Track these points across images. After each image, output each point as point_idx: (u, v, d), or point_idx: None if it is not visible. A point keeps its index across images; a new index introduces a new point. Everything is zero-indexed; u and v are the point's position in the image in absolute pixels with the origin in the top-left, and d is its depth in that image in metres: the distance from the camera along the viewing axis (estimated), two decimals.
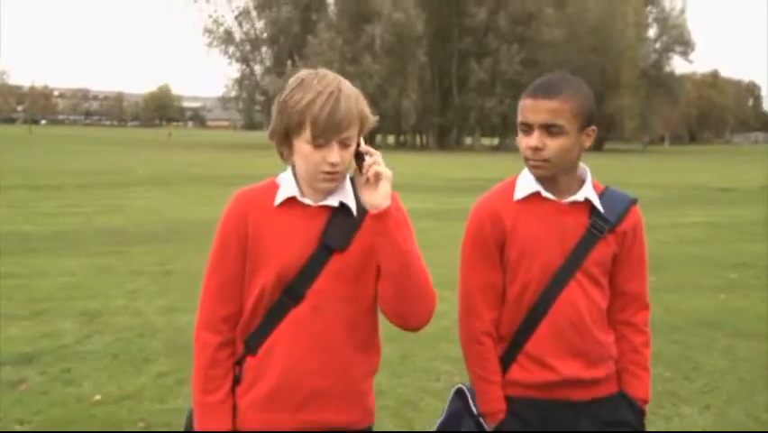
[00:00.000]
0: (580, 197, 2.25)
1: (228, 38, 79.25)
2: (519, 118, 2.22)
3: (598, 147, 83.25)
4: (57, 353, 5.54)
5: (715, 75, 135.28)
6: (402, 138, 79.95)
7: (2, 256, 9.48)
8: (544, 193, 2.25)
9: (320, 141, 1.92)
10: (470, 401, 2.35)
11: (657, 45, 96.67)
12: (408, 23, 67.54)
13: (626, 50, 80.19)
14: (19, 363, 5.27)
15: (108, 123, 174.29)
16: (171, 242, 11.17)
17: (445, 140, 76.02)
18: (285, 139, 2.00)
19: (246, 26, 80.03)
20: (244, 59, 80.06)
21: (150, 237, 11.50)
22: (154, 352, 5.63)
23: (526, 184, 2.28)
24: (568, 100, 2.17)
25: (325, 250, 2.00)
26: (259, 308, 2.02)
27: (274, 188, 2.06)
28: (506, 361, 2.30)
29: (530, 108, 2.19)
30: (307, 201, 2.03)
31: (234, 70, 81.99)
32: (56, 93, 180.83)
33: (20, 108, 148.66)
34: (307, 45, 70.00)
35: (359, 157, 1.97)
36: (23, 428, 4.19)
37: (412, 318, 2.02)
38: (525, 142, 2.22)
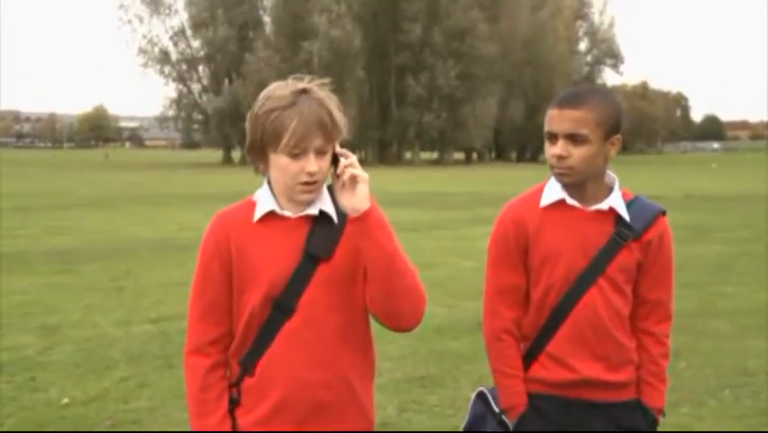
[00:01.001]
0: (604, 205, 2.31)
1: (164, 58, 78.64)
2: (545, 128, 2.30)
3: (534, 158, 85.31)
4: (20, 364, 5.81)
5: (644, 86, 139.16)
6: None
7: None
8: (569, 201, 2.32)
9: (296, 150, 1.92)
10: (492, 402, 2.42)
11: (588, 58, 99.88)
12: (345, 39, 68.16)
13: (558, 64, 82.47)
14: None
15: (42, 145, 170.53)
16: (120, 259, 11.38)
17: (385, 154, 76.72)
18: (261, 152, 1.99)
19: (182, 45, 79.58)
20: (181, 79, 79.57)
21: (99, 256, 11.68)
22: (114, 360, 5.94)
23: (553, 191, 2.35)
24: (592, 110, 2.23)
25: (311, 260, 2.00)
26: (251, 326, 2.01)
27: (252, 205, 2.06)
28: (528, 360, 2.38)
29: (555, 118, 2.26)
30: (287, 213, 2.02)
31: (171, 90, 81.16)
32: None
33: None
34: (245, 63, 70.04)
35: (335, 160, 1.96)
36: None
37: (402, 318, 2.02)
38: (550, 150, 2.29)
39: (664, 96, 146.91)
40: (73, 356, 6.05)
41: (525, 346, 2.38)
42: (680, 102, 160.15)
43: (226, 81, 76.42)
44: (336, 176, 1.95)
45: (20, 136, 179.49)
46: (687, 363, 5.74)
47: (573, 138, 2.22)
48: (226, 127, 72.89)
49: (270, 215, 2.02)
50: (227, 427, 2.01)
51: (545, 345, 2.34)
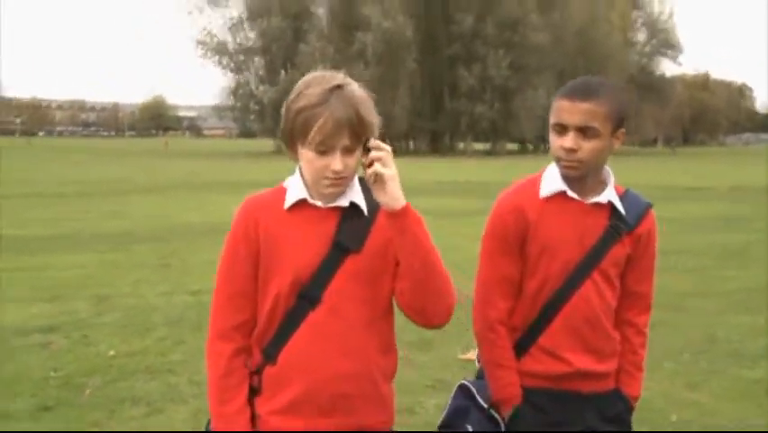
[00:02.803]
0: (603, 198, 2.31)
1: (221, 49, 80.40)
2: (553, 119, 2.25)
3: None
4: (75, 324, 6.70)
5: (706, 77, 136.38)
6: (395, 144, 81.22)
7: (15, 254, 10.62)
8: (570, 193, 2.30)
9: (322, 148, 1.90)
10: (477, 396, 2.39)
11: (646, 48, 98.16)
12: (398, 30, 68.76)
13: (612, 54, 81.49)
14: (45, 332, 6.44)
15: (105, 133, 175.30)
16: (169, 241, 12.33)
17: (438, 145, 77.23)
18: (291, 143, 1.99)
19: (239, 36, 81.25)
20: (238, 69, 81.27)
21: (149, 237, 12.65)
22: (155, 323, 6.79)
23: (552, 182, 2.32)
24: (604, 103, 2.20)
25: (339, 251, 1.98)
26: (275, 314, 1.99)
27: (282, 192, 2.04)
28: (518, 352, 2.36)
29: (567, 109, 2.21)
30: (318, 203, 2.00)
31: (229, 80, 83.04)
32: (53, 105, 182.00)
33: (18, 121, 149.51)
34: (299, 54, 71.17)
35: (367, 152, 1.92)
36: (57, 374, 5.34)
37: (433, 316, 2.00)
38: (558, 142, 2.24)
39: (727, 86, 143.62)
40: (120, 320, 6.93)
41: (515, 338, 2.36)
42: (744, 93, 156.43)
43: (282, 72, 77.70)
44: (366, 167, 1.92)
45: (85, 125, 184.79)
46: (656, 333, 6.30)
47: (584, 131, 2.20)
48: (281, 117, 74.23)
49: (301, 203, 2.00)
50: (247, 414, 2.00)
51: (538, 338, 2.33)
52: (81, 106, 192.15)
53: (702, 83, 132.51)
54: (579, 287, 2.29)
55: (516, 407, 2.32)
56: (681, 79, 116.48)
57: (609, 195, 2.31)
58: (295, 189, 2.02)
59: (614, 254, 2.31)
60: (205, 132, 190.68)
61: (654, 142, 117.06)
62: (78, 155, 54.02)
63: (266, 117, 77.99)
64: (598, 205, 2.31)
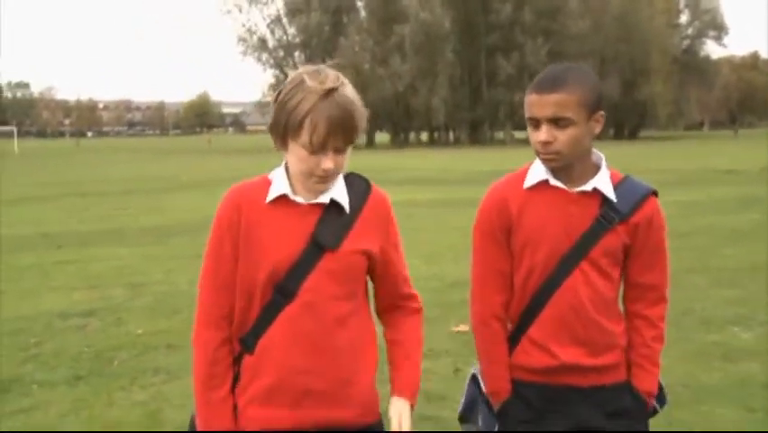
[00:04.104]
0: (588, 186, 2.25)
1: (262, 45, 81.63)
2: (527, 114, 2.23)
3: (633, 135, 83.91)
4: (110, 309, 7.40)
5: (755, 57, 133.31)
6: (435, 134, 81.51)
7: (62, 249, 11.46)
8: (553, 181, 2.26)
9: (315, 147, 1.93)
10: (482, 384, 2.42)
11: (689, 31, 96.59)
12: (435, 21, 69.12)
13: (654, 38, 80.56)
14: (83, 316, 7.16)
15: (151, 132, 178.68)
16: (204, 234, 12.79)
17: (477, 135, 77.34)
18: (282, 137, 1.99)
19: (278, 33, 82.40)
20: (278, 65, 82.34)
21: (185, 231, 13.36)
22: (181, 307, 7.41)
23: (537, 172, 2.29)
24: (573, 91, 2.16)
25: (317, 248, 2.00)
26: (252, 305, 2.02)
27: (267, 184, 2.06)
28: (511, 344, 2.35)
29: (536, 103, 2.19)
30: (299, 199, 2.03)
31: (269, 76, 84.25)
32: (101, 105, 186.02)
33: (67, 122, 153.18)
34: (338, 48, 71.89)
35: None
36: (90, 350, 6.03)
37: None
38: (534, 136, 2.22)
39: None
40: (150, 304, 7.62)
41: (510, 330, 2.37)
42: None
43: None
44: None
45: (131, 124, 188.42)
46: None
47: (557, 122, 2.17)
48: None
49: (282, 198, 2.03)
50: (230, 402, 2.05)
51: (527, 330, 2.31)
52: (127, 106, 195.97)
53: (751, 63, 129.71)
54: (566, 278, 2.24)
55: (505, 401, 2.34)
56: (728, 61, 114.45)
57: (597, 182, 2.25)
58: (278, 183, 2.04)
59: (605, 244, 2.24)
60: (249, 128, 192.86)
61: (701, 125, 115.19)
62: (123, 154, 55.55)
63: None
64: (586, 193, 2.25)
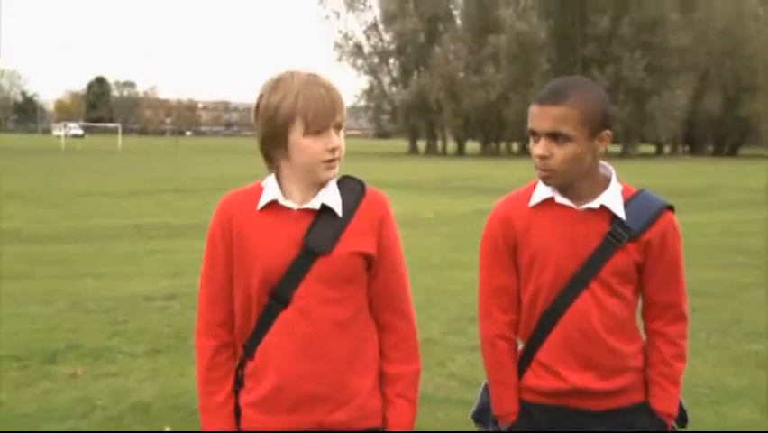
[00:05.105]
0: (596, 204, 2.16)
1: (357, 51, 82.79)
2: (528, 125, 2.17)
3: (733, 152, 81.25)
4: (189, 295, 8.02)
5: None
6: (527, 145, 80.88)
7: (153, 240, 12.39)
8: (559, 199, 2.18)
9: (317, 127, 1.94)
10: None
11: None
12: (531, 32, 68.67)
13: (761, 52, 77.90)
14: (165, 299, 7.92)
15: (247, 133, 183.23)
16: None
17: None
18: (276, 142, 1.99)
19: (374, 39, 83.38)
20: (372, 71, 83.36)
21: None
22: None
23: (543, 189, 2.21)
24: (574, 105, 2.08)
25: (309, 254, 1.99)
26: (250, 312, 2.04)
27: (259, 191, 2.06)
28: (521, 366, 2.29)
29: (537, 115, 2.13)
30: (289, 204, 2.03)
31: (363, 82, 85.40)
32: (200, 105, 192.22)
33: (168, 121, 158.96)
34: (432, 56, 72.33)
35: None
36: (170, 329, 6.71)
37: None
38: (533, 150, 2.15)
39: None
40: None
41: (520, 351, 2.31)
42: None
43: (415, 73, 79.16)
44: None
45: (228, 125, 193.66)
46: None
47: (555, 137, 2.10)
48: (413, 118, 75.73)
49: (273, 204, 2.03)
50: (229, 407, 2.09)
51: (536, 352, 2.25)
52: (225, 107, 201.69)
53: None
54: (574, 299, 2.16)
55: (512, 423, 2.28)
56: None
57: (605, 199, 2.17)
58: (269, 190, 2.05)
59: (615, 263, 2.15)
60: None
61: None
62: (218, 154, 57.61)
63: (398, 118, 79.73)
64: (593, 211, 2.17)
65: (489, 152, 77.00)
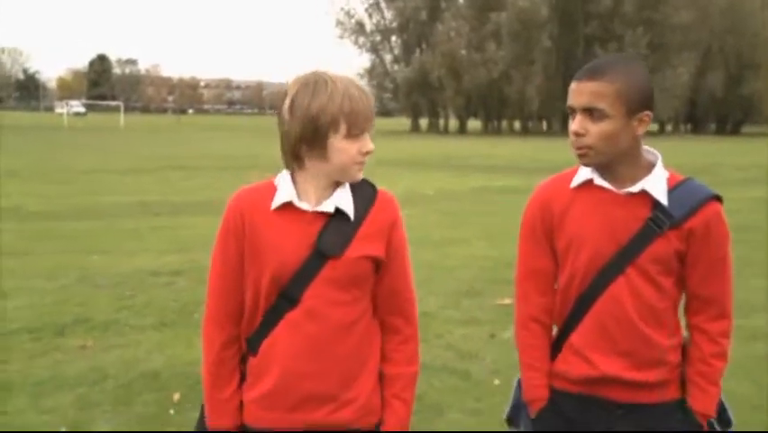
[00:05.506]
0: (636, 188, 2.10)
1: (359, 29, 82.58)
2: (567, 102, 2.13)
3: (735, 131, 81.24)
4: (195, 270, 8.24)
5: None
6: (528, 123, 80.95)
7: (157, 216, 12.56)
8: (598, 181, 2.14)
9: (357, 131, 1.99)
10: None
11: None
12: (533, 9, 68.50)
13: (762, 31, 77.67)
14: (171, 274, 8.09)
15: (249, 111, 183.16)
16: None
17: None
18: (314, 143, 2.00)
19: (376, 17, 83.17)
20: (374, 49, 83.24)
21: None
22: None
23: (584, 171, 2.17)
24: (613, 82, 2.03)
25: (319, 256, 2.02)
26: (257, 308, 2.07)
27: (272, 189, 2.09)
28: (554, 351, 2.27)
29: (574, 91, 2.09)
30: (304, 206, 2.05)
31: (365, 60, 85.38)
32: (202, 83, 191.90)
33: (170, 99, 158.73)
34: (434, 33, 72.14)
35: None
36: (176, 304, 6.88)
37: None
38: (570, 126, 2.11)
39: None
40: None
41: (554, 336, 2.28)
42: None
43: (417, 51, 78.97)
44: None
45: (230, 103, 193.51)
46: None
47: (590, 112, 2.05)
48: (415, 96, 75.74)
49: (287, 205, 2.05)
50: (235, 402, 2.12)
51: (569, 336, 2.21)
52: (227, 85, 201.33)
53: None
54: (609, 284, 2.12)
55: (541, 409, 2.26)
56: None
57: (647, 184, 2.11)
58: (283, 191, 2.06)
59: (654, 250, 2.09)
60: None
61: None
62: (221, 132, 57.70)
63: (400, 96, 79.65)
64: (633, 195, 2.11)
65: (490, 129, 77.03)
